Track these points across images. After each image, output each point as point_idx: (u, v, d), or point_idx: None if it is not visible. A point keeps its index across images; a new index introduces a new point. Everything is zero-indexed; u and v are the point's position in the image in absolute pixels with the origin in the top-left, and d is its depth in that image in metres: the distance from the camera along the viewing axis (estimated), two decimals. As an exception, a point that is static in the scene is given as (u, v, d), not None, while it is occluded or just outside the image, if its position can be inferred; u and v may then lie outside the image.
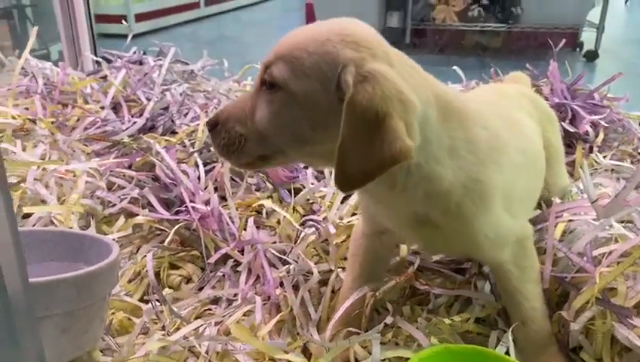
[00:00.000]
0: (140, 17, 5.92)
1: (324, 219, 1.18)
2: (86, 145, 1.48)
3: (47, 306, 0.76)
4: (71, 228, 1.13)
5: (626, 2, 7.32)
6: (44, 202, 1.15)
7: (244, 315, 1.02)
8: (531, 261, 0.93)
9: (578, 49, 4.88)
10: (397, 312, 0.98)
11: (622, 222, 1.02)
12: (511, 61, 4.38)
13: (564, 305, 0.95)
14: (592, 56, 4.62)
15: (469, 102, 0.86)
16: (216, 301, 1.08)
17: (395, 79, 0.70)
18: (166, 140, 1.46)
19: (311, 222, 1.14)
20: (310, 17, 5.04)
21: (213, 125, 0.78)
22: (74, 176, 1.25)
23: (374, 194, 0.83)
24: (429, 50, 5.01)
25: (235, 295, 1.07)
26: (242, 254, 1.14)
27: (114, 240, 1.15)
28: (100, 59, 1.79)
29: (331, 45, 0.71)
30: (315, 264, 1.08)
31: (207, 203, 1.21)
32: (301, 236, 1.12)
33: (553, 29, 4.73)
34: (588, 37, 4.86)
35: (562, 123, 1.51)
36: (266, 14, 7.92)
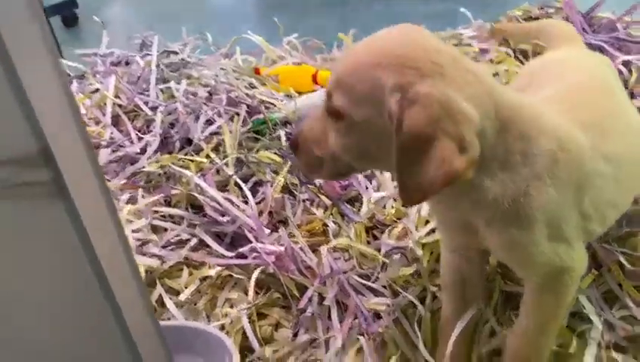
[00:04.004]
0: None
1: (402, 231, 1.14)
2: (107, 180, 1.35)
3: None
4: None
5: None
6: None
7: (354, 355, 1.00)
8: (559, 301, 0.86)
9: None
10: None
11: None
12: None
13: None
14: None
15: (538, 106, 0.82)
16: (312, 342, 1.06)
17: (443, 96, 0.68)
18: (192, 160, 1.35)
19: (395, 250, 1.10)
20: None
21: (295, 146, 0.84)
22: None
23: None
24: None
25: (329, 331, 1.05)
26: (324, 285, 1.11)
27: (187, 299, 1.11)
28: (84, 68, 1.60)
29: (380, 70, 0.71)
30: (408, 289, 1.06)
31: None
32: (386, 265, 1.09)
33: None
34: None
35: (590, 63, 1.46)
36: None
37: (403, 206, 0.78)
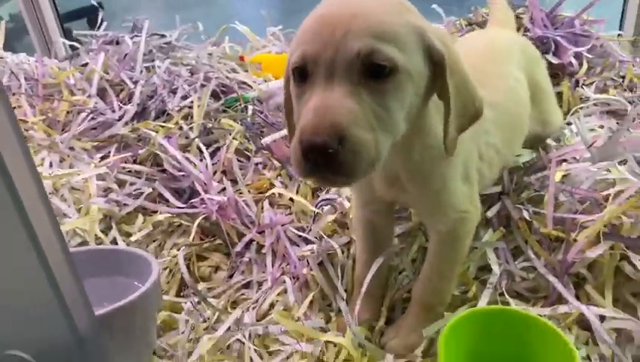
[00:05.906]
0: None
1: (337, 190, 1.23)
2: (81, 141, 1.48)
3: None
4: (96, 235, 1.17)
5: None
6: (65, 215, 1.18)
7: (277, 295, 1.09)
8: (460, 247, 0.93)
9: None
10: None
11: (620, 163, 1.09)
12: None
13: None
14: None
15: None
16: (247, 285, 1.15)
17: (448, 34, 0.80)
18: (162, 126, 1.47)
19: (326, 201, 1.19)
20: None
21: (333, 142, 0.61)
22: (85, 181, 1.27)
23: None
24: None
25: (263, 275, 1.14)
26: (262, 234, 1.20)
27: (137, 240, 1.22)
28: (77, 45, 1.75)
29: (407, 14, 0.70)
30: (333, 237, 1.14)
31: (220, 191, 1.25)
32: (317, 215, 1.18)
33: None
34: None
35: (546, 55, 1.54)
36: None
37: (450, 155, 0.76)
